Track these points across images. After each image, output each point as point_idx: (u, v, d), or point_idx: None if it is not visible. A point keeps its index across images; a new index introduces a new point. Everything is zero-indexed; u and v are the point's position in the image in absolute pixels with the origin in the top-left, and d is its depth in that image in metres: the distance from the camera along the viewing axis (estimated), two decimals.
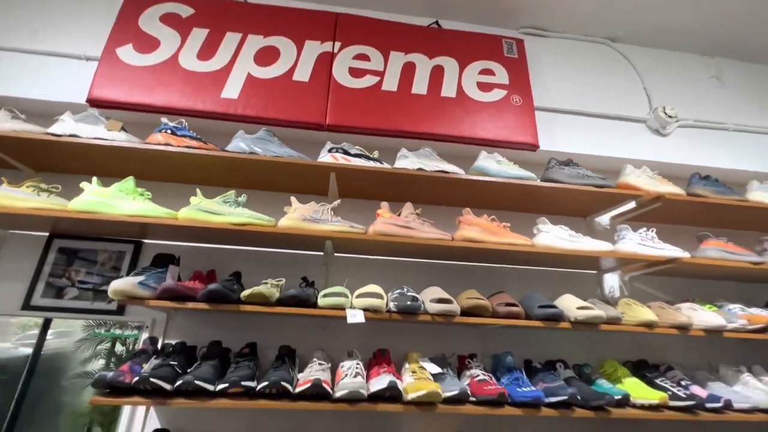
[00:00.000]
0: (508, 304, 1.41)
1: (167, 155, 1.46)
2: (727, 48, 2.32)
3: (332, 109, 1.74)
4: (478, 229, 1.51)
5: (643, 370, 1.58)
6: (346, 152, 1.56)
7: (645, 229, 1.70)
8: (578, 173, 1.68)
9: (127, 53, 1.69)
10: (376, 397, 1.24)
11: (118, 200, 1.36)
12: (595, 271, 1.90)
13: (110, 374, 1.15)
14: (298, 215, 1.41)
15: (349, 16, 1.95)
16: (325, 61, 1.82)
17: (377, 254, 1.72)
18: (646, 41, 2.29)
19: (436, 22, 2.08)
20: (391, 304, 1.34)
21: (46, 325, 1.58)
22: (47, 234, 1.61)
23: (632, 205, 1.75)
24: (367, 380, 1.30)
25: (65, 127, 1.43)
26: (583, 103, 2.06)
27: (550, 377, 1.43)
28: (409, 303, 1.32)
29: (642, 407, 1.38)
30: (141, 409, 1.44)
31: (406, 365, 1.40)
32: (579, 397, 1.31)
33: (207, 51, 1.75)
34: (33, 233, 1.60)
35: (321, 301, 1.31)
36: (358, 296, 1.35)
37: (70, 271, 1.59)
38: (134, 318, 1.58)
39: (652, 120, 2.09)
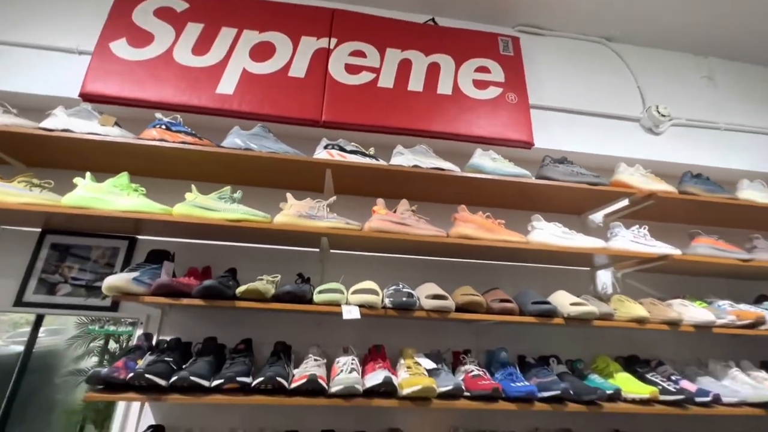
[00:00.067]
0: (502, 300, 1.42)
1: (162, 151, 1.45)
2: (719, 48, 2.34)
3: (328, 105, 1.74)
4: (473, 226, 1.52)
5: (635, 365, 1.61)
6: (342, 149, 1.56)
7: (637, 226, 1.72)
8: (572, 171, 1.70)
9: (120, 47, 1.67)
10: (372, 392, 1.25)
11: (112, 196, 1.35)
12: (588, 268, 1.92)
13: (105, 370, 1.15)
14: (294, 212, 1.41)
15: (345, 12, 1.94)
16: (321, 58, 1.82)
17: (373, 251, 1.72)
18: (641, 41, 2.31)
19: (433, 19, 2.08)
20: (387, 300, 1.34)
21: (38, 322, 1.57)
22: (39, 230, 1.59)
23: (625, 202, 1.77)
24: (363, 376, 1.31)
25: (58, 121, 1.41)
26: (578, 101, 2.08)
27: (543, 372, 1.45)
28: (404, 299, 1.32)
29: (633, 401, 1.40)
30: (135, 406, 1.43)
31: (402, 361, 1.41)
32: (571, 392, 1.33)
33: (202, 46, 1.74)
34: (25, 229, 1.59)
35: (317, 298, 1.32)
36: (354, 292, 1.35)
37: (63, 268, 1.58)
38: (128, 314, 1.57)
39: (646, 119, 2.11)
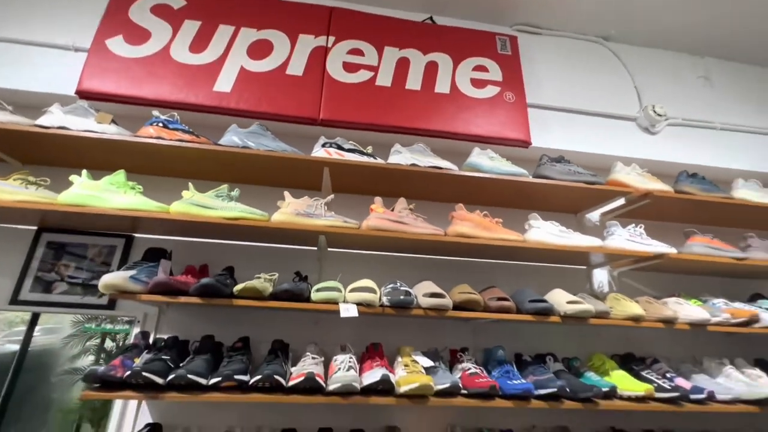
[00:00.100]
0: (499, 299, 1.43)
1: (159, 149, 1.44)
2: (716, 48, 2.35)
3: (326, 103, 1.73)
4: (470, 224, 1.53)
5: (630, 363, 1.62)
6: (339, 147, 1.56)
7: (633, 225, 1.73)
8: (569, 170, 1.70)
9: (117, 44, 1.66)
10: (369, 390, 1.25)
11: (108, 193, 1.34)
12: (584, 267, 1.93)
13: (102, 368, 1.15)
14: (292, 210, 1.41)
15: (343, 11, 1.94)
16: (319, 56, 1.81)
17: (370, 249, 1.73)
18: (638, 40, 2.32)
19: (431, 18, 2.08)
20: (384, 299, 1.35)
21: (34, 320, 1.56)
22: (35, 228, 1.58)
23: (621, 201, 1.78)
24: (360, 374, 1.31)
25: (54, 119, 1.40)
26: (575, 100, 2.09)
27: (539, 370, 1.46)
28: (402, 297, 1.33)
29: (628, 399, 1.41)
30: (132, 404, 1.43)
31: (399, 359, 1.42)
32: (568, 390, 1.34)
33: (199, 43, 1.73)
34: (20, 227, 1.58)
35: (314, 296, 1.32)
36: (352, 291, 1.35)
37: (59, 266, 1.57)
38: (125, 313, 1.57)
39: (642, 118, 2.12)
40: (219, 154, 1.47)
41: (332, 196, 1.51)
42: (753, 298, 1.86)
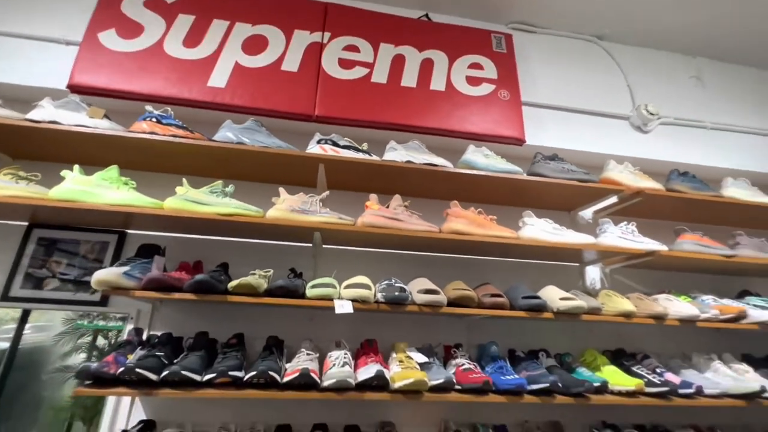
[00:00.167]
0: (493, 295, 1.44)
1: (152, 144, 1.43)
2: (707, 48, 2.38)
3: (321, 100, 1.73)
4: (465, 221, 1.53)
5: (621, 358, 1.65)
6: (335, 144, 1.56)
7: (626, 223, 1.75)
8: (563, 168, 1.72)
9: (109, 38, 1.64)
10: (364, 386, 1.26)
11: (101, 189, 1.33)
12: (577, 264, 1.95)
13: (94, 365, 1.14)
14: (287, 206, 1.41)
15: (339, 7, 1.93)
16: (315, 52, 1.81)
17: (365, 246, 1.73)
18: (631, 40, 2.33)
19: (426, 15, 2.08)
20: (379, 295, 1.35)
21: (24, 317, 1.54)
22: (26, 223, 1.56)
23: (614, 199, 1.80)
24: (355, 370, 1.32)
25: (45, 113, 1.38)
26: (569, 99, 2.10)
27: (532, 366, 1.48)
28: (396, 294, 1.33)
29: (619, 393, 1.43)
30: (125, 401, 1.42)
31: (393, 355, 1.43)
32: (560, 385, 1.36)
33: (193, 38, 1.71)
34: (11, 222, 1.55)
35: (309, 292, 1.32)
36: (347, 287, 1.35)
37: (50, 262, 1.55)
38: (118, 309, 1.55)
39: (635, 117, 2.14)
40: (213, 150, 1.46)
41: (327, 192, 1.51)
42: (741, 295, 1.89)
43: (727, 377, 1.61)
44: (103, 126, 1.41)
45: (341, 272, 1.44)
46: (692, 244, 1.76)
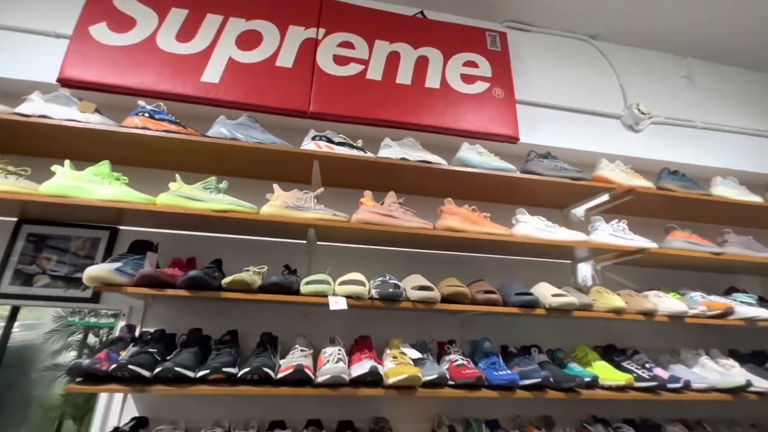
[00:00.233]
0: (486, 292, 1.45)
1: (144, 139, 1.42)
2: (698, 49, 2.41)
3: (316, 96, 1.72)
4: (459, 218, 1.54)
5: (612, 354, 1.67)
6: (329, 140, 1.56)
7: (617, 220, 1.77)
8: (556, 166, 1.73)
9: (100, 32, 1.61)
10: (358, 381, 1.26)
11: (92, 184, 1.31)
12: (569, 261, 1.98)
13: (86, 362, 1.13)
14: (281, 203, 1.41)
15: (334, 3, 1.92)
16: (309, 48, 1.80)
17: (360, 243, 1.73)
18: (624, 40, 2.36)
19: (421, 12, 2.08)
20: (374, 291, 1.36)
21: (13, 315, 1.53)
22: (15, 219, 1.54)
23: (606, 197, 1.82)
24: (349, 366, 1.33)
25: (34, 107, 1.36)
26: (562, 97, 2.12)
27: (525, 361, 1.49)
28: (391, 290, 1.34)
29: (609, 388, 1.46)
30: (118, 398, 1.41)
31: (388, 351, 1.43)
32: (551, 380, 1.37)
33: (186, 33, 1.69)
34: (0, 218, 1.53)
35: (303, 289, 1.32)
36: (341, 283, 1.36)
37: (40, 259, 1.53)
38: (110, 306, 1.54)
39: (627, 116, 2.16)
40: (207, 146, 1.45)
41: (322, 189, 1.50)
42: (728, 292, 1.93)
43: (714, 372, 1.64)
44: (94, 121, 1.39)
45: (335, 269, 1.44)
46: (681, 241, 1.79)
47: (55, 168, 1.32)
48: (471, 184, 1.74)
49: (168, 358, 1.24)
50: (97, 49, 1.58)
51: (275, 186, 1.46)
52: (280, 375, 1.21)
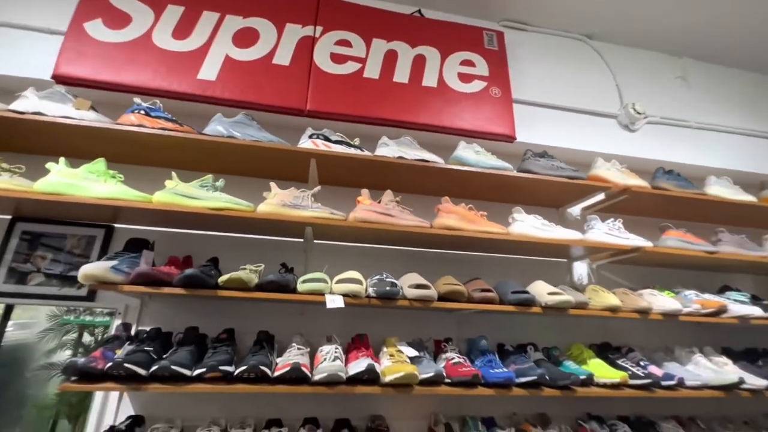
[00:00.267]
0: (483, 290, 1.46)
1: (140, 137, 1.41)
2: (693, 49, 2.43)
3: (313, 94, 1.72)
4: (455, 217, 1.55)
5: (607, 351, 1.68)
6: (327, 139, 1.56)
7: (612, 219, 1.79)
8: (552, 165, 1.74)
9: (95, 28, 1.60)
10: (355, 379, 1.27)
11: (87, 182, 1.31)
12: (565, 260, 1.99)
13: (82, 360, 1.13)
14: (278, 201, 1.40)
15: (332, 1, 1.91)
16: (307, 46, 1.79)
17: (357, 241, 1.73)
18: (620, 39, 2.37)
19: (419, 11, 2.08)
20: (371, 290, 1.36)
21: (7, 313, 1.51)
22: (9, 217, 1.53)
23: (601, 196, 1.83)
24: (346, 364, 1.33)
25: (29, 104, 1.35)
26: (559, 97, 2.13)
27: (521, 359, 1.50)
28: (388, 288, 1.34)
29: (604, 386, 1.47)
30: (113, 397, 1.41)
31: (384, 349, 1.44)
32: (547, 377, 1.39)
33: (182, 30, 1.68)
34: None
35: (300, 287, 1.32)
36: (338, 282, 1.36)
37: (34, 257, 1.52)
38: (105, 304, 1.54)
39: (623, 116, 2.18)
40: (203, 144, 1.45)
41: (319, 187, 1.50)
42: (722, 290, 1.95)
43: (707, 369, 1.66)
44: (89, 118, 1.38)
45: (332, 267, 1.44)
46: (676, 240, 1.81)
47: (49, 165, 1.31)
48: (468, 183, 1.75)
49: (164, 356, 1.23)
50: (92, 46, 1.57)
51: (272, 184, 1.46)
52: (276, 373, 1.21)
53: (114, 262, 1.23)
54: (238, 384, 1.19)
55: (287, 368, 1.20)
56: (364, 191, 1.53)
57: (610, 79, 2.29)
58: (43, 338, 1.77)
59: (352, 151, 1.55)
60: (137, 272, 1.20)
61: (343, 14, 1.90)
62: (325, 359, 1.29)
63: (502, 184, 1.75)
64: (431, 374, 1.30)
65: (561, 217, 2.02)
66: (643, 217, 2.03)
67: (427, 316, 1.72)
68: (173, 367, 1.14)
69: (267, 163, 1.59)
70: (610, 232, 1.73)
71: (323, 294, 1.31)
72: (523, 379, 1.37)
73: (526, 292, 1.49)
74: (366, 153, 1.56)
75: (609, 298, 1.57)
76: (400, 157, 1.57)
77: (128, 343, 1.29)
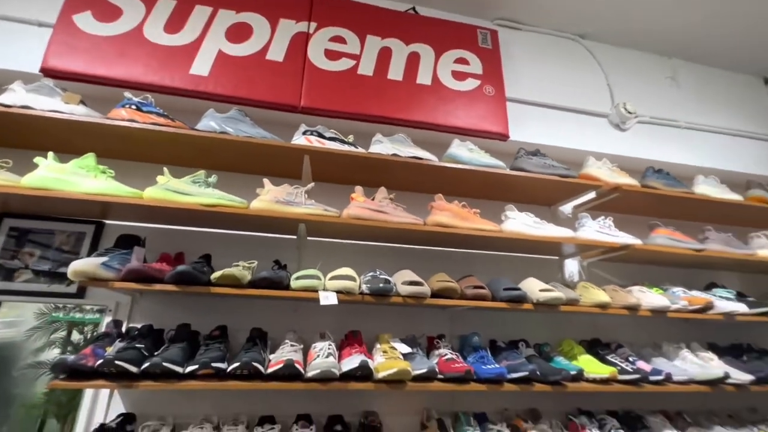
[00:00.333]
0: (475, 287, 1.47)
1: (131, 132, 1.39)
2: (683, 50, 2.47)
3: (307, 91, 1.71)
4: (449, 214, 1.56)
5: (596, 347, 1.71)
6: (320, 135, 1.55)
7: (603, 217, 1.81)
8: (544, 163, 1.76)
9: (85, 21, 1.57)
10: (348, 376, 1.27)
11: (77, 177, 1.29)
12: (556, 257, 2.01)
13: (71, 357, 1.12)
14: (271, 197, 1.40)
15: None
16: (300, 42, 1.78)
17: (350, 238, 1.73)
18: (612, 40, 2.39)
19: (413, 8, 2.08)
20: (364, 287, 1.36)
21: None
22: None
23: (592, 195, 1.85)
24: (339, 360, 1.33)
25: (16, 97, 1.32)
26: (552, 96, 2.14)
27: (512, 355, 1.52)
28: (381, 285, 1.35)
29: (594, 381, 1.49)
30: (104, 395, 1.39)
31: (378, 345, 1.44)
32: (538, 373, 1.40)
33: (174, 24, 1.66)
34: None
35: (294, 283, 1.31)
36: (332, 278, 1.36)
37: (22, 253, 1.50)
38: (95, 301, 1.52)
39: (614, 115, 2.20)
40: (195, 139, 1.43)
41: (312, 184, 1.49)
42: (708, 287, 1.99)
43: (694, 365, 1.70)
44: (79, 112, 1.36)
45: (326, 264, 1.44)
46: (665, 238, 1.84)
47: (38, 160, 1.29)
48: (461, 181, 1.76)
49: (156, 353, 1.22)
50: (81, 39, 1.54)
51: (265, 180, 1.45)
52: (269, 370, 1.21)
53: (104, 259, 1.21)
54: (231, 381, 1.19)
55: (281, 365, 1.20)
56: (358, 188, 1.53)
57: (602, 78, 2.31)
58: (30, 336, 1.74)
59: (345, 147, 1.55)
60: (128, 269, 1.19)
61: (337, 10, 1.89)
62: (318, 356, 1.29)
63: (495, 181, 1.76)
64: (424, 370, 1.31)
65: (553, 214, 2.03)
66: (633, 215, 2.06)
67: (420, 313, 1.73)
68: (165, 364, 1.13)
69: (260, 160, 1.58)
70: (600, 230, 1.75)
71: (317, 291, 1.31)
72: (514, 375, 1.39)
73: (518, 289, 1.51)
74: (360, 150, 1.56)
75: (599, 295, 1.60)
76: (394, 155, 1.57)
77: (119, 340, 1.27)
